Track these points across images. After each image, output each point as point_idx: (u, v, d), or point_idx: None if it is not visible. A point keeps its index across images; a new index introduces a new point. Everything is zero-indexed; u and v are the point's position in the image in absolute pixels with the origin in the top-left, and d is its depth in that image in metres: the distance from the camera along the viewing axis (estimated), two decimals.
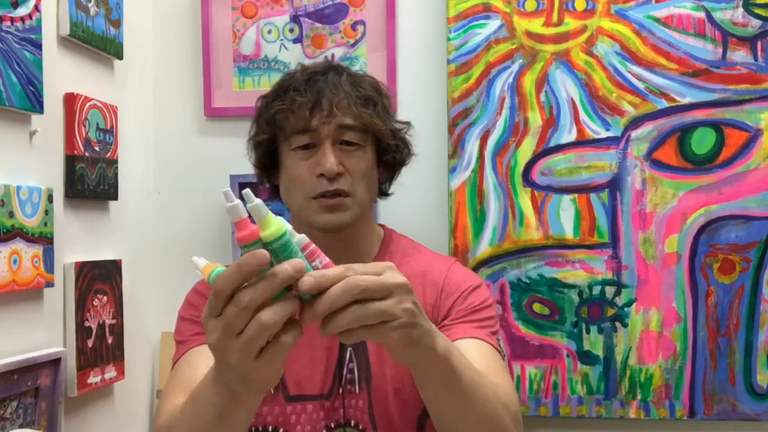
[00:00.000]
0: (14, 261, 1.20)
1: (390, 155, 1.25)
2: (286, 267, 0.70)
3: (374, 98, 1.21)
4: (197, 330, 1.19)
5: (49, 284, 1.29)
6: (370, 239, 1.27)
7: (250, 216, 0.72)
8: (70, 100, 1.38)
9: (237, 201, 0.71)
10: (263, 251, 0.70)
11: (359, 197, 1.18)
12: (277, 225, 0.72)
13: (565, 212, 1.56)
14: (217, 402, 0.84)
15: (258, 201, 0.72)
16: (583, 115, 1.55)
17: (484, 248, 1.57)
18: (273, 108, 1.19)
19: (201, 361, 1.10)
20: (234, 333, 0.71)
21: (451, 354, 0.87)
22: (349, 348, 1.18)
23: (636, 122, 1.54)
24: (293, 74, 1.23)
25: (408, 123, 1.29)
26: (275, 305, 0.71)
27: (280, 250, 0.72)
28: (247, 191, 0.72)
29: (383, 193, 1.32)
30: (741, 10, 1.51)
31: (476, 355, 1.07)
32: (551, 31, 1.56)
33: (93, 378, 1.41)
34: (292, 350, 1.18)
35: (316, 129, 1.16)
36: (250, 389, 0.79)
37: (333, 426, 1.17)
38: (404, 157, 1.28)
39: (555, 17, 1.56)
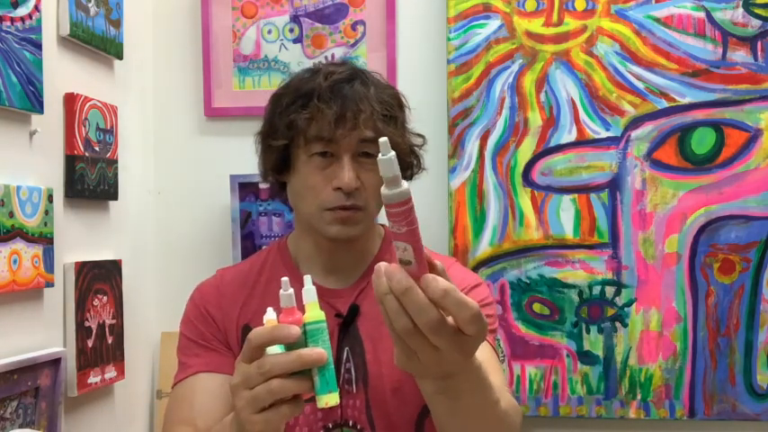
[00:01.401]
0: (14, 261, 1.20)
1: (403, 171, 1.24)
2: (311, 354, 0.82)
3: (396, 113, 1.20)
4: (195, 351, 1.21)
5: (49, 284, 1.29)
6: (372, 240, 1.27)
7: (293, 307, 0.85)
8: (70, 100, 1.38)
9: (291, 290, 0.84)
10: (299, 330, 0.82)
11: (370, 210, 1.19)
12: (317, 312, 0.84)
13: (565, 212, 1.56)
14: None
15: (313, 287, 0.85)
16: (583, 115, 1.55)
17: (484, 248, 1.57)
18: (295, 113, 1.17)
19: (199, 394, 1.16)
20: (248, 386, 0.84)
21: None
22: (346, 348, 1.19)
23: (636, 122, 1.54)
24: (314, 76, 1.19)
25: (423, 137, 1.29)
26: (290, 379, 0.82)
27: (312, 334, 0.83)
28: (308, 277, 0.86)
29: None
30: (741, 10, 1.51)
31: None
32: (551, 31, 1.56)
33: (93, 378, 1.41)
34: None
35: (338, 141, 1.15)
36: None
37: (331, 426, 1.17)
38: (414, 172, 1.28)
39: (555, 17, 1.56)
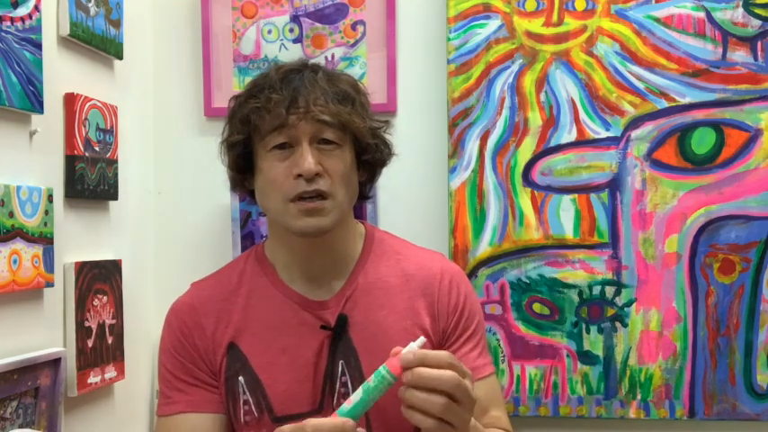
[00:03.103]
0: (14, 261, 1.20)
1: (370, 155, 1.19)
2: None
3: (352, 95, 1.16)
4: (177, 386, 1.17)
5: (49, 284, 1.29)
6: (352, 240, 1.22)
7: None
8: (70, 100, 1.38)
9: None
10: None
11: (338, 199, 1.13)
12: None
13: (565, 212, 1.56)
14: None
15: None
16: (583, 115, 1.55)
17: (484, 248, 1.57)
18: (248, 107, 1.15)
19: None
20: None
21: None
22: (340, 361, 1.14)
23: (636, 122, 1.54)
24: (267, 73, 1.18)
25: (387, 122, 1.24)
26: None
27: None
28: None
29: (363, 196, 1.26)
30: (741, 10, 1.52)
31: (482, 394, 1.15)
32: (551, 31, 1.56)
33: (93, 378, 1.41)
34: (276, 371, 1.15)
35: (293, 125, 1.11)
36: None
37: None
38: (384, 158, 1.22)
39: (555, 17, 1.56)
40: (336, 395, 1.14)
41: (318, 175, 1.11)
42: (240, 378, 1.15)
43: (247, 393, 1.15)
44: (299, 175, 1.10)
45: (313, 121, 1.11)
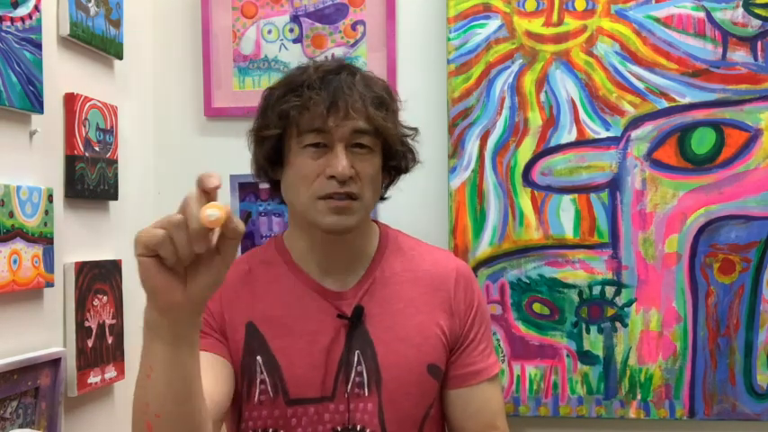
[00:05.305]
0: (14, 261, 1.20)
1: (397, 161, 1.24)
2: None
3: (387, 101, 1.20)
4: None
5: (49, 284, 1.29)
6: (369, 238, 1.26)
7: None
8: (70, 100, 1.38)
9: None
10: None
11: (365, 201, 1.17)
12: None
13: (565, 212, 1.56)
14: (144, 362, 0.99)
15: None
16: (583, 115, 1.55)
17: (484, 248, 1.57)
18: (287, 103, 1.16)
19: None
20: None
21: None
22: (356, 351, 1.17)
23: (636, 122, 1.54)
24: (305, 69, 1.20)
25: (416, 129, 1.27)
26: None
27: None
28: None
29: (380, 197, 1.29)
30: (741, 10, 1.52)
31: (492, 397, 1.23)
32: (551, 31, 1.56)
33: (93, 378, 1.41)
34: (293, 354, 1.18)
35: (330, 130, 1.14)
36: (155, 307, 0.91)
37: (339, 429, 1.16)
38: (408, 165, 1.27)
39: (555, 17, 1.56)
40: (351, 384, 1.17)
41: (351, 178, 1.14)
42: (258, 357, 1.18)
43: (265, 374, 1.18)
44: (332, 177, 1.14)
45: (350, 127, 1.15)
